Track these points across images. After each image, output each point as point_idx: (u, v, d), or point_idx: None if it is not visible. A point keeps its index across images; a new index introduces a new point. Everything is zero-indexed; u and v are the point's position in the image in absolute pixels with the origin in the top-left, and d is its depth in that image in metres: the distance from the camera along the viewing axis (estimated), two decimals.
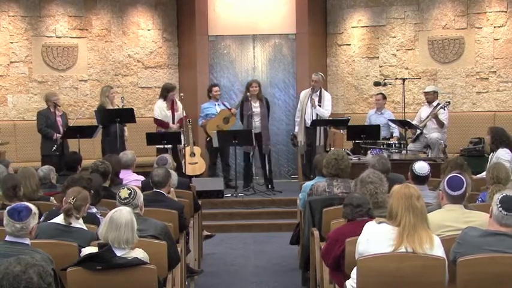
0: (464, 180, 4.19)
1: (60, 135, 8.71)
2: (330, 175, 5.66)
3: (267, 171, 9.66)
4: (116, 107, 9.28)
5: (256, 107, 9.50)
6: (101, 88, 9.65)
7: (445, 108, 9.14)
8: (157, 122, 9.41)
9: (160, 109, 9.38)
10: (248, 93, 9.52)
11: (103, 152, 8.80)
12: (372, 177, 4.67)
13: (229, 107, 9.80)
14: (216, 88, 9.90)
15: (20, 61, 10.39)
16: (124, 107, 9.27)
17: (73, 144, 8.54)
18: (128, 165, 6.79)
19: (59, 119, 8.94)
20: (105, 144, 9.06)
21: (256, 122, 9.46)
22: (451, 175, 4.27)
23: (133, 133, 9.69)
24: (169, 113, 9.39)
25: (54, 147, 8.64)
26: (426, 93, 9.55)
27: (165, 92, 9.40)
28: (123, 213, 3.79)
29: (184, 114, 9.47)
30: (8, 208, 3.67)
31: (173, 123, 9.39)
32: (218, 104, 9.83)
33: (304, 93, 9.46)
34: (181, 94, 9.67)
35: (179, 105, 9.52)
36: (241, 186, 9.47)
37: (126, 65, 10.94)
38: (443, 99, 9.73)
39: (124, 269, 3.59)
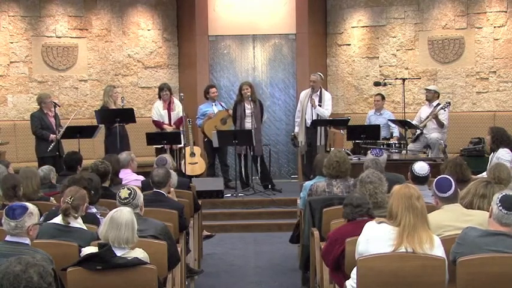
0: (451, 180, 4.20)
1: (56, 136, 8.64)
2: (330, 176, 5.67)
3: (264, 173, 9.62)
4: (118, 107, 9.27)
5: (248, 108, 9.45)
6: (104, 88, 9.63)
7: (446, 109, 9.13)
8: (154, 122, 9.58)
9: (156, 109, 9.59)
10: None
11: (106, 152, 8.79)
12: (372, 177, 4.67)
13: (226, 108, 9.82)
14: (214, 89, 9.94)
15: (20, 61, 10.39)
16: (124, 107, 9.27)
17: (73, 144, 8.52)
18: (123, 165, 6.77)
19: (52, 120, 8.84)
20: (107, 144, 9.06)
21: (248, 123, 9.41)
22: (438, 177, 4.28)
23: (134, 133, 9.69)
24: (164, 112, 9.46)
25: (49, 148, 8.58)
26: (427, 91, 9.54)
27: (158, 92, 9.72)
28: (123, 213, 3.80)
29: (181, 115, 9.48)
30: (5, 207, 3.69)
31: (170, 122, 9.42)
32: (215, 105, 9.86)
33: (304, 94, 9.46)
34: (181, 94, 9.67)
35: (176, 104, 9.56)
36: (240, 187, 9.46)
37: (126, 65, 10.94)
38: (443, 99, 9.73)
39: (124, 269, 3.59)
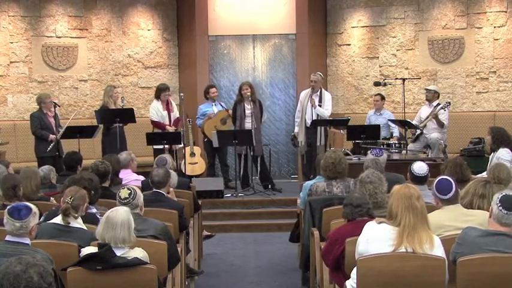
0: (452, 181, 4.20)
1: (55, 137, 8.65)
2: (328, 177, 5.66)
3: (264, 173, 9.62)
4: (119, 107, 9.26)
5: (248, 108, 9.43)
6: (104, 88, 9.63)
7: (446, 109, 9.13)
8: (155, 123, 9.43)
9: (156, 110, 9.42)
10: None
11: (103, 152, 8.80)
12: (371, 177, 4.67)
13: (226, 108, 9.82)
14: (214, 89, 9.94)
15: (20, 61, 10.39)
16: (124, 107, 9.27)
17: (73, 144, 8.53)
18: (123, 165, 6.76)
19: (52, 120, 8.84)
20: (105, 144, 9.06)
21: (248, 123, 9.40)
22: (438, 179, 4.28)
23: (134, 133, 9.69)
24: (165, 113, 9.43)
25: (48, 148, 8.58)
26: (427, 91, 9.54)
27: (158, 93, 9.48)
28: (119, 212, 3.79)
29: (178, 116, 9.46)
30: (8, 207, 3.68)
31: (170, 123, 9.42)
32: (215, 105, 9.86)
33: (304, 94, 9.45)
34: (182, 94, 9.67)
35: (173, 105, 9.55)
36: (240, 187, 9.45)
37: (126, 65, 10.94)
38: (443, 99, 9.73)
39: (124, 269, 3.59)
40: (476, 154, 9.18)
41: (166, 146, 8.95)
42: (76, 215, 4.28)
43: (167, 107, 9.48)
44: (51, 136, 8.69)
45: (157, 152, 8.69)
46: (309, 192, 5.70)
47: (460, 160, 5.78)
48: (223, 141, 9.21)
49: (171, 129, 9.33)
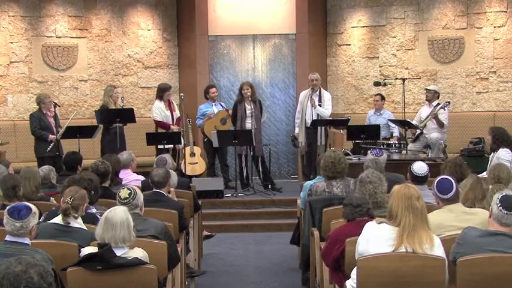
0: (452, 181, 4.20)
1: (55, 137, 8.65)
2: (328, 177, 5.66)
3: (264, 173, 9.61)
4: (119, 107, 9.26)
5: (249, 109, 9.43)
6: (105, 88, 9.62)
7: (445, 109, 9.14)
8: (159, 123, 9.39)
9: (159, 110, 9.38)
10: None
11: (102, 152, 8.80)
12: (371, 177, 4.67)
13: (226, 108, 9.81)
14: (213, 89, 9.92)
15: (20, 61, 10.39)
16: (124, 107, 9.26)
17: (73, 144, 8.53)
18: (124, 166, 6.76)
19: (51, 120, 8.84)
20: (104, 144, 9.05)
21: (248, 124, 9.40)
22: (439, 178, 4.28)
23: (133, 133, 9.68)
24: (168, 113, 9.41)
25: (49, 148, 8.58)
26: (427, 91, 9.54)
27: (160, 93, 9.44)
28: (117, 212, 3.79)
29: (178, 115, 9.46)
30: (8, 207, 3.68)
31: (172, 123, 9.42)
32: (215, 105, 9.85)
33: (304, 94, 9.45)
34: (182, 94, 9.66)
35: (175, 105, 9.55)
36: (240, 187, 9.44)
37: (126, 65, 10.94)
38: (443, 99, 9.74)
39: (124, 269, 3.59)
40: (476, 154, 9.16)
41: (170, 146, 8.94)
42: (76, 215, 4.28)
43: (170, 106, 9.47)
44: (51, 136, 8.69)
45: (160, 152, 8.67)
46: (309, 192, 5.69)
47: (460, 160, 5.78)
48: (223, 141, 9.21)
49: (175, 128, 9.32)
